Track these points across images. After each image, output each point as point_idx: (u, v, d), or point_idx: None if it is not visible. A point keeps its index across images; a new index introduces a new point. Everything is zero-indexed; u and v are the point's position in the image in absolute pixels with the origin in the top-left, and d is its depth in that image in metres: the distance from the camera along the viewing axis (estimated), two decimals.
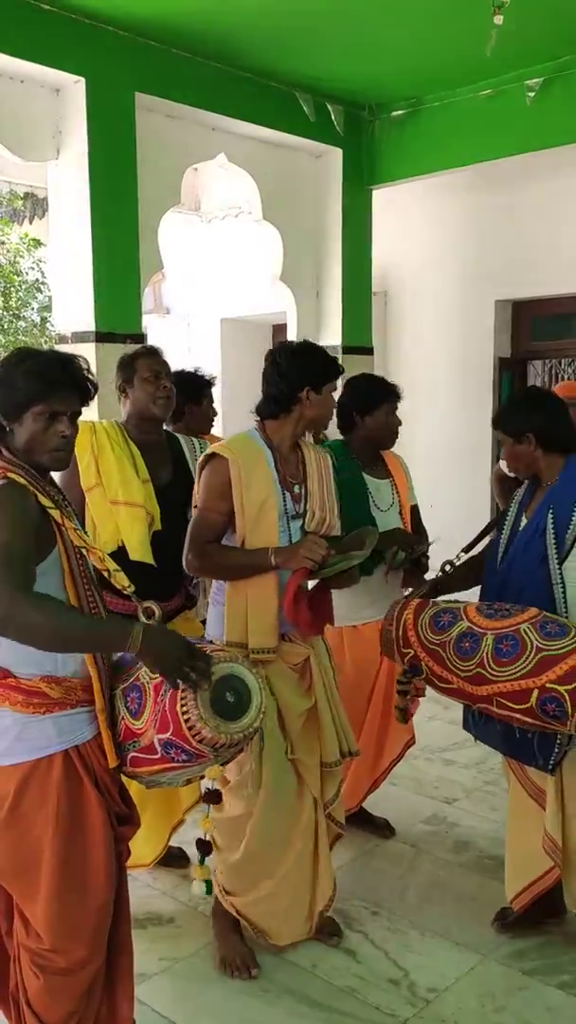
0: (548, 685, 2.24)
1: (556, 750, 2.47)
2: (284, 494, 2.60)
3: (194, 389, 3.55)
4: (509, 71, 4.69)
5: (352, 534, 2.79)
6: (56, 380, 1.95)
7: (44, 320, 7.10)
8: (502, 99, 4.83)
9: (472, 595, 2.77)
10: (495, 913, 2.90)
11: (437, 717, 4.53)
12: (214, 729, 1.88)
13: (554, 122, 4.67)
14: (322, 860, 2.76)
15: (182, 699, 1.89)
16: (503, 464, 4.93)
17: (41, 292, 7.13)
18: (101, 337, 4.30)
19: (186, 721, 1.88)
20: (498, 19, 3.76)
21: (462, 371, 6.24)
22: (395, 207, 5.99)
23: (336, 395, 2.77)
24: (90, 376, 2.04)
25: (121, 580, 2.05)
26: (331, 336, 5.61)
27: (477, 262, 6.08)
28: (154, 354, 3.08)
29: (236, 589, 2.58)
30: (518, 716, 2.33)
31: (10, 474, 1.91)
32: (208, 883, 2.55)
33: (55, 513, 1.95)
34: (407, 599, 2.73)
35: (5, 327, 7.06)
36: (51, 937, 1.94)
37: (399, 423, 3.33)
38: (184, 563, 2.62)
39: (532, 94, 4.65)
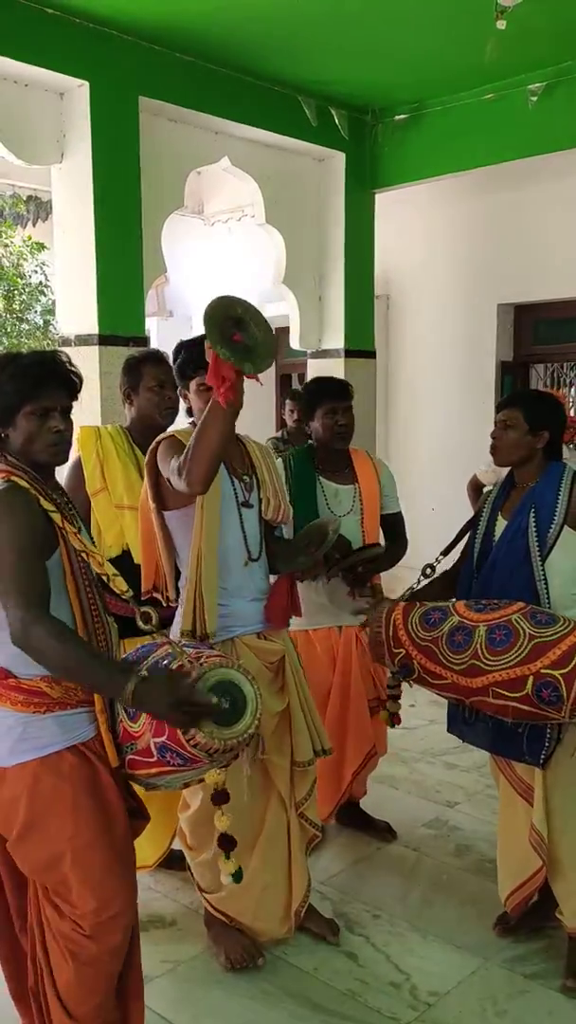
0: (543, 671, 2.28)
1: (547, 744, 2.49)
2: (233, 481, 2.60)
3: None
4: (511, 76, 4.70)
5: (314, 523, 2.82)
6: (42, 377, 1.97)
7: (47, 323, 7.08)
8: (504, 103, 4.85)
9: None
10: (497, 917, 2.90)
11: (438, 720, 4.52)
12: (208, 735, 1.88)
13: (556, 126, 4.69)
14: (296, 859, 2.75)
15: None
16: (480, 472, 4.95)
17: (44, 295, 7.11)
18: (104, 340, 4.31)
19: None
20: (501, 24, 3.78)
21: (464, 374, 6.24)
22: (398, 211, 6.00)
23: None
24: (73, 369, 2.06)
25: (119, 585, 2.05)
26: (334, 339, 5.62)
27: (479, 266, 6.08)
28: (161, 362, 3.06)
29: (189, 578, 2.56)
30: (514, 705, 2.36)
31: (13, 477, 1.93)
32: (238, 872, 2.44)
33: (56, 517, 1.97)
34: (394, 602, 2.75)
35: (8, 330, 7.04)
36: (89, 924, 1.94)
37: (343, 421, 3.24)
38: (184, 483, 2.36)
39: (534, 98, 4.66)
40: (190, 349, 2.62)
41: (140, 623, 1.95)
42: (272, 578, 2.78)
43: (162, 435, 2.62)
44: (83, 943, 1.97)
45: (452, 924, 2.95)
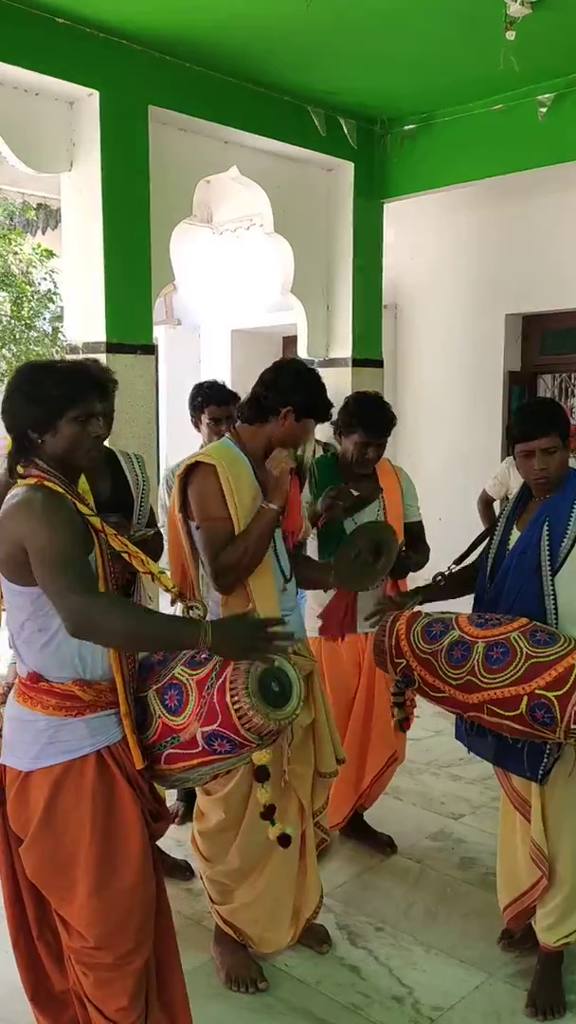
0: (537, 691, 2.27)
1: (545, 760, 2.48)
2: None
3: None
4: (521, 86, 4.69)
5: (358, 532, 2.82)
6: (85, 384, 2.01)
7: (56, 330, 7.11)
8: (513, 114, 4.84)
9: (465, 606, 2.76)
10: (501, 931, 2.88)
11: (444, 732, 4.50)
12: (264, 716, 1.97)
13: (565, 137, 4.68)
14: (309, 870, 2.75)
15: (232, 690, 1.97)
16: (488, 487, 4.94)
17: (53, 302, 7.14)
18: (112, 347, 4.31)
19: (237, 711, 1.96)
20: (510, 34, 3.78)
21: (472, 384, 6.23)
22: (406, 220, 6.00)
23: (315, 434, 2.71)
24: (109, 376, 2.15)
25: (166, 582, 2.13)
26: (341, 348, 5.61)
27: (488, 275, 6.08)
28: None
29: (236, 598, 2.57)
30: (508, 723, 2.35)
31: (46, 483, 1.96)
32: (285, 836, 2.39)
33: (95, 520, 2.01)
34: (399, 611, 2.74)
35: (17, 337, 7.07)
36: (94, 935, 1.97)
37: (370, 456, 3.26)
38: (217, 587, 2.54)
39: (544, 109, 4.65)
40: (309, 385, 2.59)
41: (193, 616, 2.06)
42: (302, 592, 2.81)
43: (196, 457, 2.58)
44: (94, 954, 1.99)
45: (456, 938, 2.93)
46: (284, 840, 2.37)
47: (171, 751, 2.04)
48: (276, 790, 2.60)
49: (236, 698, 1.96)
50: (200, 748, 2.01)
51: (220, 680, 1.99)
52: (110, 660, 2.00)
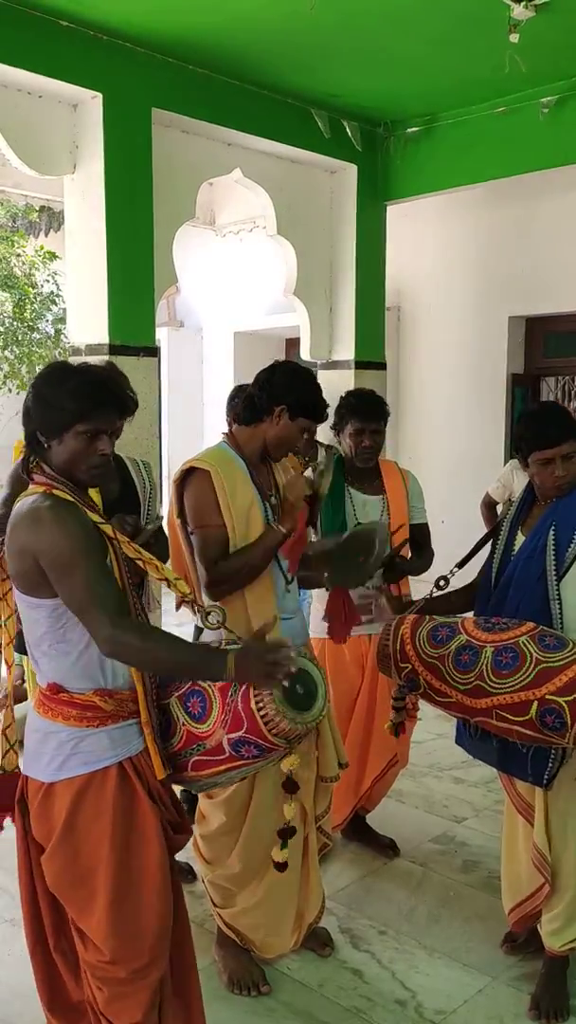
0: (548, 697, 2.26)
1: (551, 765, 2.47)
2: (264, 503, 2.58)
3: None
4: (524, 89, 4.70)
5: (357, 531, 2.85)
6: (102, 399, 1.95)
7: (58, 332, 7.11)
8: (516, 116, 4.84)
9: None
10: (504, 934, 2.87)
11: (446, 735, 4.49)
12: (291, 721, 1.96)
13: (568, 139, 4.68)
14: (312, 874, 2.75)
15: (256, 696, 1.95)
16: (492, 489, 4.94)
17: (56, 304, 7.14)
18: (115, 349, 4.31)
19: (263, 717, 1.94)
20: (514, 37, 3.79)
21: (475, 387, 6.23)
22: (409, 223, 6.00)
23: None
24: (132, 394, 2.04)
25: (182, 588, 2.10)
26: (344, 351, 5.61)
27: (491, 278, 6.08)
28: None
29: (233, 597, 2.55)
30: (517, 728, 2.33)
31: (55, 491, 1.91)
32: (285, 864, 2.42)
33: (107, 528, 1.97)
34: (403, 615, 2.74)
35: (20, 339, 7.07)
36: (110, 948, 1.94)
37: (367, 443, 3.25)
38: (207, 594, 2.54)
39: (547, 111, 4.66)
40: (302, 383, 2.58)
41: (209, 621, 2.09)
42: (305, 594, 2.80)
43: (191, 463, 2.57)
44: (109, 968, 1.97)
45: (459, 941, 2.92)
46: (281, 867, 2.36)
47: (198, 758, 2.03)
48: (279, 791, 2.61)
49: (261, 704, 1.94)
50: (227, 754, 2.00)
51: (244, 686, 1.97)
52: (131, 669, 1.98)
